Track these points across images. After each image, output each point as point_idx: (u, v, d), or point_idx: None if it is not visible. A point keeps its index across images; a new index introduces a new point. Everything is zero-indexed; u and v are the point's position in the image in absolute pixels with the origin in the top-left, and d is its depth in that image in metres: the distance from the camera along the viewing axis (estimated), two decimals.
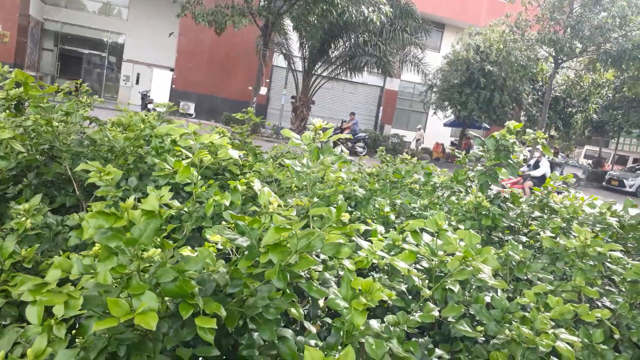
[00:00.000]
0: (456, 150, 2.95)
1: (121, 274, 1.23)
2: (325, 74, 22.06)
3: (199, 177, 1.91)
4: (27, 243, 1.63)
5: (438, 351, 1.52)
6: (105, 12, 27.26)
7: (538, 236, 2.48)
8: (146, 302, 1.14)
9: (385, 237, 1.79)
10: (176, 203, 1.88)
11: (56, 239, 1.79)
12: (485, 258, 1.41)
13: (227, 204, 1.81)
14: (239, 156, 3.20)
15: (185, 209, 1.90)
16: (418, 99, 26.20)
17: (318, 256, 1.67)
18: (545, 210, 2.63)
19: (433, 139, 26.83)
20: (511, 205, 2.58)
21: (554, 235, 2.35)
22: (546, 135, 2.69)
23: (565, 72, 24.21)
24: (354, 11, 16.22)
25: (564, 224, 2.33)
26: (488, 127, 25.31)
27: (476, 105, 21.30)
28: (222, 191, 2.04)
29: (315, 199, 1.89)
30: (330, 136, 2.15)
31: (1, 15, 21.74)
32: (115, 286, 1.26)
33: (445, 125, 26.35)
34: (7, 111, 2.33)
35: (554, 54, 18.60)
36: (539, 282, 1.95)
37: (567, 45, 17.42)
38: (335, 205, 1.50)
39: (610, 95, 26.81)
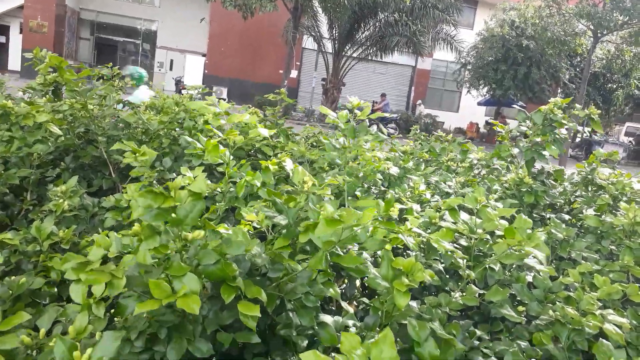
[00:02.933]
0: (498, 124, 2.83)
1: (162, 255, 1.22)
2: (355, 55, 21.78)
3: (232, 157, 1.90)
4: (64, 224, 1.66)
5: (477, 332, 1.47)
6: (138, 0, 27.64)
7: (581, 214, 2.38)
8: (188, 284, 1.13)
9: (422, 216, 1.75)
10: (209, 183, 1.87)
11: (92, 221, 1.82)
12: (537, 244, 1.33)
13: (259, 183, 1.79)
14: (270, 137, 3.20)
15: (219, 189, 1.89)
16: (451, 77, 25.59)
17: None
18: (589, 188, 2.51)
19: (467, 119, 26.25)
20: (553, 182, 2.47)
21: (599, 213, 2.25)
22: (598, 111, 2.56)
23: (605, 46, 23.13)
24: None
25: (611, 202, 2.22)
26: (524, 105, 24.57)
27: (512, 82, 20.65)
28: (255, 172, 2.03)
29: (348, 178, 1.85)
30: (367, 115, 2.09)
31: (39, 6, 22.30)
32: (154, 266, 1.25)
33: (479, 104, 25.69)
34: (47, 96, 2.37)
35: (592, 27, 17.77)
36: (583, 261, 1.87)
37: (607, 17, 16.59)
38: (385, 200, 1.46)
39: None
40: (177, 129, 2.30)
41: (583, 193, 2.46)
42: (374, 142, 1.96)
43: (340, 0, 17.34)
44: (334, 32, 21.54)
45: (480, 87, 22.76)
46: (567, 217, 2.37)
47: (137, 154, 1.73)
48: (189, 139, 1.84)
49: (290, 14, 18.73)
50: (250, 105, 3.71)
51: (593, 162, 2.60)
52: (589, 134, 28.60)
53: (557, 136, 2.27)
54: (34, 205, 1.91)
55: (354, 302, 1.68)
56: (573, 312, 1.32)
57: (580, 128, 27.45)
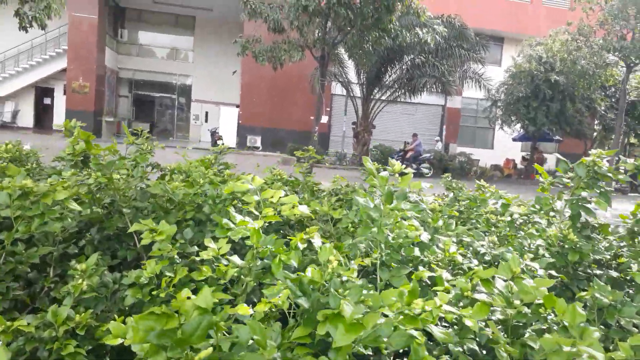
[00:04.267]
0: (540, 169, 2.67)
1: None
2: (384, 97, 21.98)
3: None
4: (83, 304, 1.63)
5: None
6: (173, 57, 29.08)
7: (630, 269, 2.20)
8: None
9: (453, 286, 1.64)
10: (237, 259, 1.81)
11: (114, 297, 1.78)
12: (591, 342, 1.20)
13: (295, 263, 1.69)
14: (296, 191, 3.16)
15: (245, 264, 1.84)
16: (482, 115, 25.39)
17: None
18: (637, 240, 2.34)
19: (503, 155, 25.80)
20: (598, 237, 2.31)
21: None
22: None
23: (639, 75, 22.60)
24: (407, 34, 16.09)
25: None
26: (560, 139, 24.01)
27: (546, 118, 20.27)
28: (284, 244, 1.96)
29: (383, 253, 1.76)
30: (409, 182, 1.99)
31: (81, 68, 23.66)
32: None
33: (514, 140, 25.27)
34: (73, 170, 2.41)
35: (623, 58, 17.43)
36: (635, 328, 1.70)
37: (636, 47, 16.27)
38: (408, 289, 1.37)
39: None
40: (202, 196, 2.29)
41: (629, 245, 2.29)
42: (415, 211, 1.86)
43: (365, 47, 17.65)
44: (361, 77, 21.88)
45: (513, 123, 22.45)
46: (615, 273, 2.20)
47: (155, 234, 1.71)
48: (218, 218, 1.81)
49: (317, 62, 19.17)
50: (283, 155, 3.70)
51: (638, 211, 2.43)
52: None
53: (603, 190, 2.14)
54: (56, 282, 1.90)
55: None
56: None
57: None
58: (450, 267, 2.01)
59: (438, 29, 17.22)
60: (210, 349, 1.08)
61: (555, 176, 2.45)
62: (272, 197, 1.69)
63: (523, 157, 26.14)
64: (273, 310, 1.53)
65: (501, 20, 26.67)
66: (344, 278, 1.42)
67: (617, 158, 21.54)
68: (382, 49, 19.18)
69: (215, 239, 1.92)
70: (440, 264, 1.95)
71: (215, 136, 22.35)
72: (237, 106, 25.95)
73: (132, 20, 28.74)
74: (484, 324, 1.61)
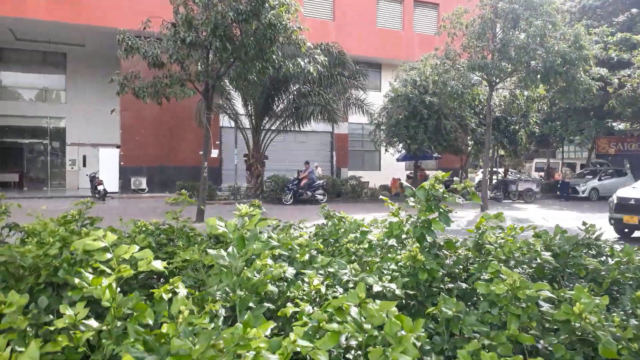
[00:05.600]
0: (389, 202, 2.92)
1: None
2: (273, 127, 22.28)
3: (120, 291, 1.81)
4: None
5: None
6: (43, 98, 26.97)
7: (478, 280, 2.46)
8: None
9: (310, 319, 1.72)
10: (94, 322, 1.75)
11: None
12: (405, 347, 1.35)
13: (151, 321, 1.68)
14: (171, 240, 3.10)
15: (104, 327, 1.77)
16: (368, 138, 26.75)
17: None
18: (483, 252, 2.63)
19: (390, 175, 27.27)
20: (447, 253, 2.56)
21: (492, 277, 2.33)
22: (473, 184, 2.71)
23: (500, 93, 25.41)
24: (291, 65, 16.58)
25: (499, 267, 2.32)
26: (439, 156, 25.96)
27: (425, 135, 21.88)
28: (147, 298, 1.93)
29: (240, 292, 1.81)
30: (256, 223, 2.09)
31: None
32: None
33: (398, 160, 26.89)
34: None
35: (486, 77, 19.52)
36: (477, 334, 1.91)
37: (496, 67, 18.37)
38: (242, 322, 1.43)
39: (547, 108, 28.26)
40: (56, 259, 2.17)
41: (477, 259, 2.56)
42: (263, 249, 1.94)
43: (250, 78, 17.84)
44: (249, 108, 22.02)
45: (396, 144, 23.92)
46: (464, 285, 2.44)
47: (3, 306, 1.60)
48: (71, 278, 1.73)
49: (202, 95, 18.96)
50: (171, 196, 3.60)
51: (482, 225, 2.73)
52: (503, 175, 30.60)
53: (441, 210, 2.38)
54: None
55: None
56: None
57: (497, 169, 29.53)
58: (317, 299, 2.10)
59: (319, 58, 17.94)
60: None
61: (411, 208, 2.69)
62: (125, 253, 1.67)
63: (407, 176, 27.92)
64: None
65: (377, 48, 28.54)
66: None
67: (489, 170, 23.88)
68: (267, 80, 19.53)
69: (73, 305, 1.83)
70: (305, 297, 2.04)
71: (95, 181, 20.86)
72: (118, 146, 24.64)
73: None
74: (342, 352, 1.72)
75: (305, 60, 17.78)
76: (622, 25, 27.03)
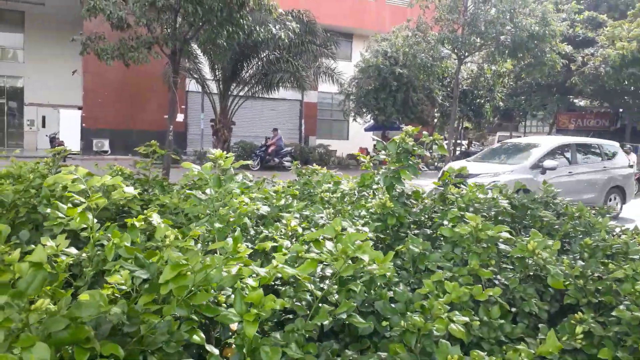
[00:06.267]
0: (361, 155, 3.06)
1: (9, 328, 1.18)
2: (242, 93, 21.97)
3: (96, 220, 1.87)
4: None
5: (348, 352, 1.58)
6: None
7: (441, 226, 2.63)
8: (37, 354, 1.10)
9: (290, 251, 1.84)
10: (74, 250, 1.82)
11: None
12: (363, 250, 1.51)
13: (128, 244, 1.77)
14: (145, 191, 3.15)
15: (84, 255, 1.84)
16: (337, 108, 26.77)
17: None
18: (446, 202, 2.80)
19: (357, 145, 27.47)
20: (414, 202, 2.72)
21: (454, 224, 2.50)
22: (442, 137, 2.86)
23: (469, 67, 25.79)
24: (261, 30, 16.30)
25: (461, 213, 2.49)
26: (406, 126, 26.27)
27: (393, 108, 22.09)
28: (124, 231, 2.00)
29: (218, 225, 1.90)
30: (232, 163, 2.17)
31: None
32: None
33: (366, 130, 27.10)
34: None
35: (455, 51, 19.76)
36: (440, 269, 2.07)
37: (466, 41, 18.61)
38: (232, 237, 1.53)
39: (512, 83, 28.90)
40: (34, 197, 2.20)
41: (440, 208, 2.73)
42: (241, 188, 2.03)
43: (219, 43, 17.48)
44: (217, 73, 21.57)
45: (365, 114, 24.07)
46: (429, 231, 2.61)
47: None
48: (49, 210, 1.78)
49: (169, 58, 18.47)
50: (135, 159, 3.62)
51: (446, 178, 2.91)
52: (466, 147, 31.32)
53: (410, 162, 2.52)
54: None
55: (233, 345, 1.71)
56: (418, 319, 1.48)
57: (461, 142, 30.25)
58: (293, 239, 2.22)
59: (290, 25, 17.68)
60: (48, 300, 1.13)
61: (381, 161, 2.83)
62: (97, 182, 1.73)
63: (374, 146, 28.20)
64: (117, 294, 1.59)
65: (349, 17, 28.27)
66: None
67: (454, 140, 24.39)
68: (236, 45, 19.14)
69: (54, 237, 1.89)
70: (283, 236, 2.15)
71: (55, 142, 20.23)
72: (80, 108, 23.82)
73: None
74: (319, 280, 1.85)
75: (277, 27, 17.52)
76: (589, 4, 27.66)
